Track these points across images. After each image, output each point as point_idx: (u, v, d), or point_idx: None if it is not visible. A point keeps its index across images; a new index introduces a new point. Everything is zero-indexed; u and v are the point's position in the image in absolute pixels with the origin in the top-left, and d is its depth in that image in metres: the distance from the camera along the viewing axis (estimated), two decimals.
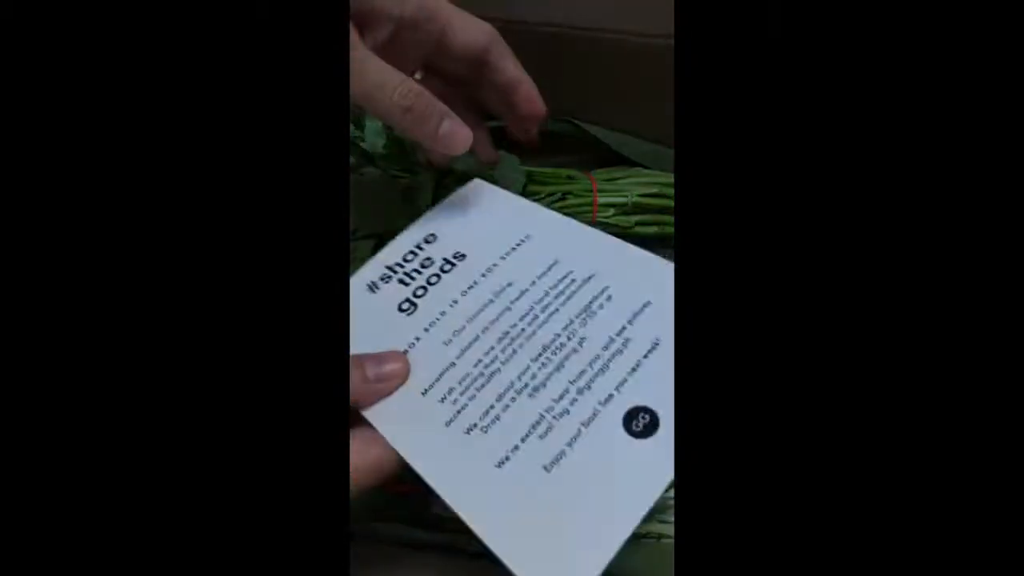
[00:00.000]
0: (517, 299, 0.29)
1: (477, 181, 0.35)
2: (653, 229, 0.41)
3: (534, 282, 0.30)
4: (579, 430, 0.25)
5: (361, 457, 0.26)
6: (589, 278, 0.29)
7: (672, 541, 0.35)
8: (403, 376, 0.28)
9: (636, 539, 0.37)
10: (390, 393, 0.27)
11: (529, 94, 0.34)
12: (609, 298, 0.28)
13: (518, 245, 0.31)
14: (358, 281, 0.32)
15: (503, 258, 0.31)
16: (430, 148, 0.32)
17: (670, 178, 0.41)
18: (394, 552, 0.35)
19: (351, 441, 0.26)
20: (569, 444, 0.25)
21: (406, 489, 0.40)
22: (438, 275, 0.31)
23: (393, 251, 0.33)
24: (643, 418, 0.25)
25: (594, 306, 0.28)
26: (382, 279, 0.32)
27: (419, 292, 0.31)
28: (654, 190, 0.41)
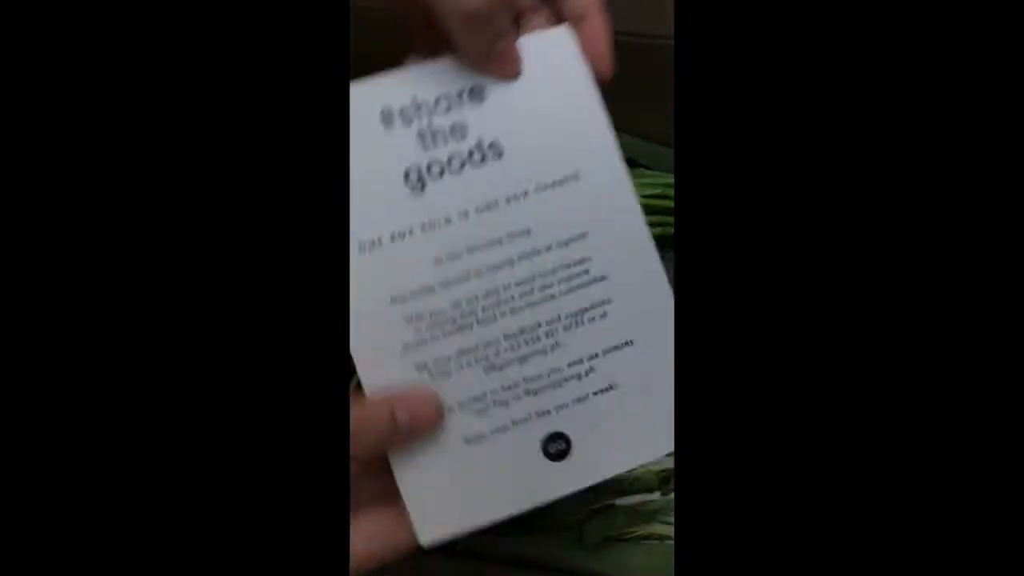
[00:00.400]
0: (525, 257, 0.26)
1: (565, 33, 0.27)
2: (656, 230, 0.40)
3: (550, 247, 0.27)
4: (507, 425, 0.26)
5: (377, 543, 0.25)
6: (601, 279, 0.27)
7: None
8: (433, 427, 0.25)
9: (639, 540, 0.37)
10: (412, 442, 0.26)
11: (596, 34, 0.27)
12: (604, 315, 0.27)
13: (561, 182, 0.27)
14: (372, 96, 0.26)
15: (538, 191, 0.27)
16: (473, 63, 0.26)
17: (672, 179, 0.41)
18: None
19: (364, 523, 0.25)
20: (493, 433, 0.26)
21: None
22: (463, 163, 0.26)
23: (430, 79, 0.26)
24: (560, 444, 0.26)
25: (586, 316, 0.27)
26: (401, 114, 0.26)
27: (434, 169, 0.26)
28: (657, 191, 0.41)
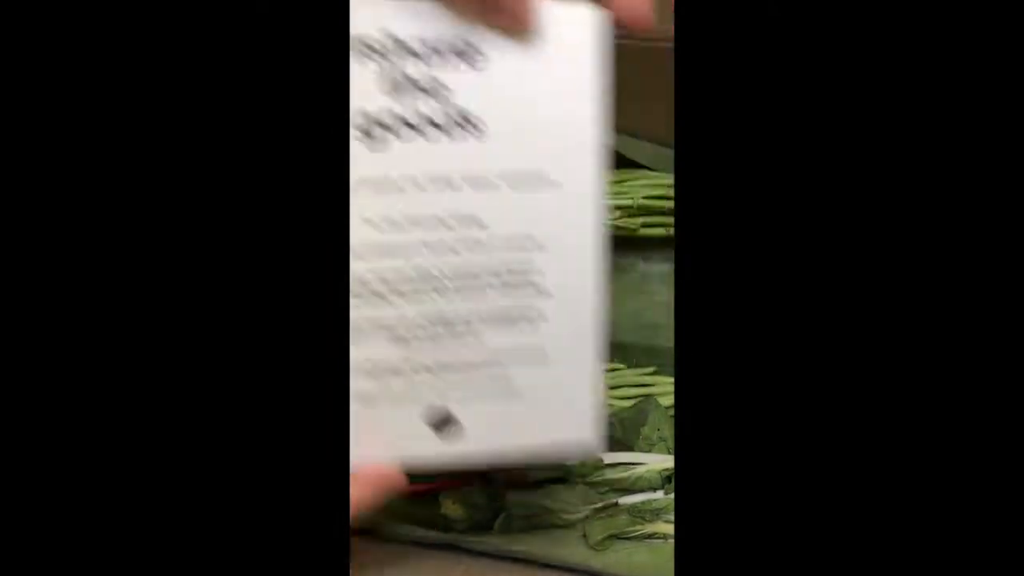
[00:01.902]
0: (470, 248, 0.24)
1: (594, 14, 0.23)
2: (659, 231, 0.41)
3: (501, 246, 0.25)
4: (398, 394, 0.26)
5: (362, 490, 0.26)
6: (543, 292, 0.25)
7: None
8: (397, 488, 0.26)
9: (642, 539, 0.37)
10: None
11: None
12: (532, 325, 0.26)
13: (536, 184, 0.24)
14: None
15: (510, 186, 0.24)
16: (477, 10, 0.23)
17: (673, 180, 0.41)
18: (403, 551, 0.35)
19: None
20: (383, 398, 0.25)
21: (417, 489, 0.41)
22: (432, 128, 0.23)
23: (419, 19, 0.22)
24: (447, 420, 0.26)
25: (514, 320, 0.25)
26: (373, 50, 0.23)
27: (396, 125, 0.23)
28: (659, 192, 0.41)
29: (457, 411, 0.26)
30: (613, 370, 0.41)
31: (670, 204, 0.41)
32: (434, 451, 0.27)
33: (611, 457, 0.37)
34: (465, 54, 0.23)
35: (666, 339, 0.40)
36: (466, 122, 0.23)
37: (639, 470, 0.37)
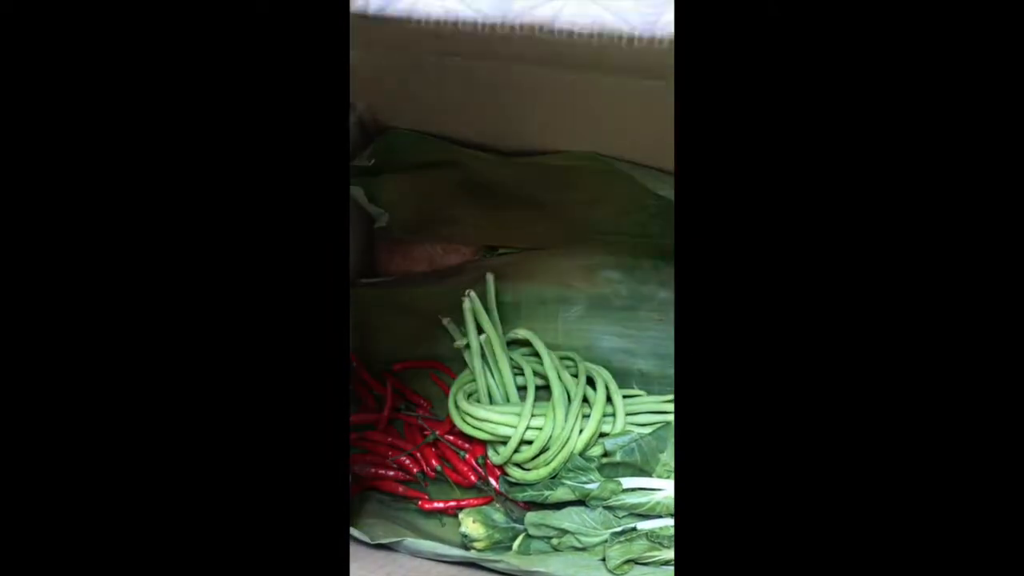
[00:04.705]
0: None
1: None
2: None
3: None
4: None
5: None
6: None
7: None
8: None
9: (659, 565, 0.37)
10: None
11: None
12: None
13: None
14: None
15: None
16: None
17: None
18: (423, 566, 0.36)
19: None
20: None
21: (439, 507, 0.41)
22: None
23: None
24: None
25: None
26: None
27: None
28: None
29: None
30: (633, 396, 0.41)
31: None
32: None
33: (630, 482, 0.38)
34: None
35: None
36: None
37: (657, 496, 0.37)
